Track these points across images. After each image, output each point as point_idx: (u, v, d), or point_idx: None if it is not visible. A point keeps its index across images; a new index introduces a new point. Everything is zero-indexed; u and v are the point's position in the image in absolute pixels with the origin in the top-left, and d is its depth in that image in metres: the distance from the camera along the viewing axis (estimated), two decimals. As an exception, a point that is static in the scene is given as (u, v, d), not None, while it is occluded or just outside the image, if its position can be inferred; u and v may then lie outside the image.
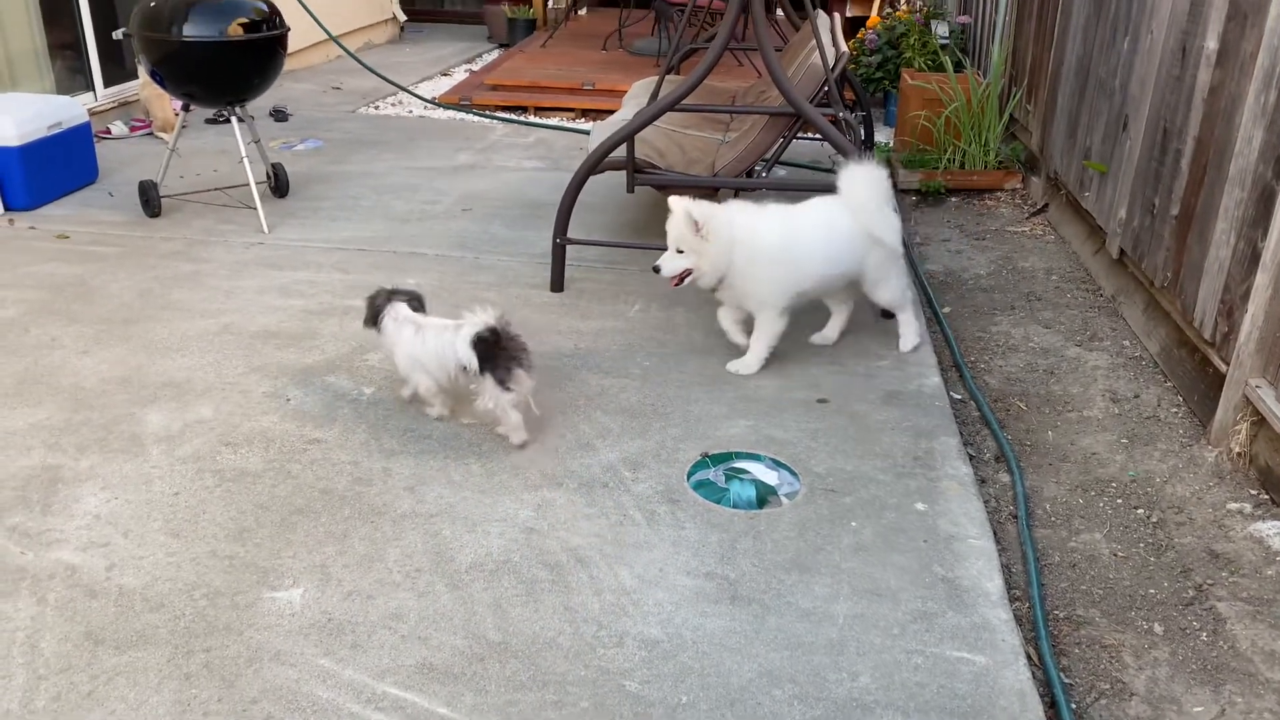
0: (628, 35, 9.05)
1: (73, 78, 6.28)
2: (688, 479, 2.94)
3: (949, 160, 5.71)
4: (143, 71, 6.01)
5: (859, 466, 3.03)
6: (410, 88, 7.84)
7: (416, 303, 3.23)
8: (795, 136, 4.38)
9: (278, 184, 5.29)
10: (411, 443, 3.11)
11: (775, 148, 4.36)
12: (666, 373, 3.55)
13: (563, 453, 3.07)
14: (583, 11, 10.52)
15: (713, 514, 2.79)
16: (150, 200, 4.92)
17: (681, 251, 3.36)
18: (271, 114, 6.89)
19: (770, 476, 2.96)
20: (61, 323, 3.80)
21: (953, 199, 5.66)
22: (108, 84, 6.49)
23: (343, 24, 8.72)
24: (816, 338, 3.77)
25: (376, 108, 7.49)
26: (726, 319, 3.62)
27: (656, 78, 4.97)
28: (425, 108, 7.51)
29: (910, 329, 3.73)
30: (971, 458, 3.17)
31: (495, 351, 2.92)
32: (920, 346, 3.75)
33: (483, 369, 2.92)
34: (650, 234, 4.26)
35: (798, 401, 3.39)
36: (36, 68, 5.98)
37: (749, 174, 4.35)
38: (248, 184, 4.85)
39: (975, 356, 3.91)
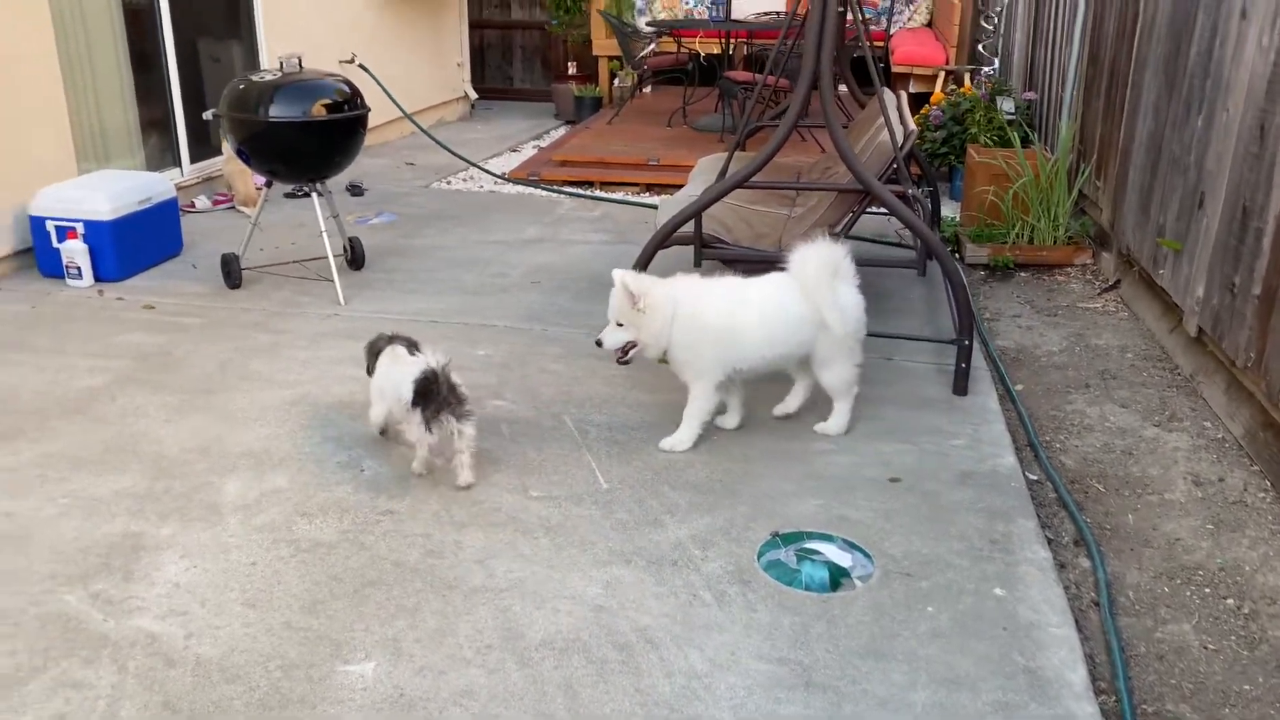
0: (691, 112, 9.21)
1: (162, 154, 6.56)
2: (758, 559, 2.91)
3: (1017, 235, 5.68)
4: (227, 148, 6.26)
5: (934, 549, 2.97)
6: (481, 163, 8.04)
7: (413, 347, 3.42)
8: (864, 212, 4.40)
9: (354, 257, 5.44)
10: (482, 515, 3.12)
11: (843, 223, 4.38)
12: (733, 447, 3.54)
13: (631, 528, 3.06)
14: (647, 89, 10.74)
15: (784, 596, 2.75)
16: (232, 272, 5.09)
17: (622, 324, 3.36)
18: (349, 189, 7.11)
19: (843, 558, 2.92)
20: (146, 392, 3.92)
21: (1021, 274, 5.61)
22: (194, 160, 6.76)
23: (417, 101, 9.01)
24: (778, 409, 3.73)
25: (449, 183, 7.69)
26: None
27: (721, 153, 5.06)
28: (495, 183, 7.69)
29: (841, 418, 3.60)
30: (1050, 541, 3.09)
31: (430, 393, 3.15)
32: (839, 438, 3.61)
33: (414, 404, 3.16)
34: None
35: (869, 480, 3.35)
36: (129, 144, 6.26)
37: (817, 250, 4.36)
38: (325, 257, 4.99)
39: (1050, 436, 3.84)
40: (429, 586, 2.78)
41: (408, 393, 3.17)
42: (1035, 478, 3.51)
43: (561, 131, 9.74)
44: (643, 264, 4.19)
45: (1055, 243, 5.67)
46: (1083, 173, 5.91)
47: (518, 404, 3.88)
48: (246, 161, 5.01)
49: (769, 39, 9.10)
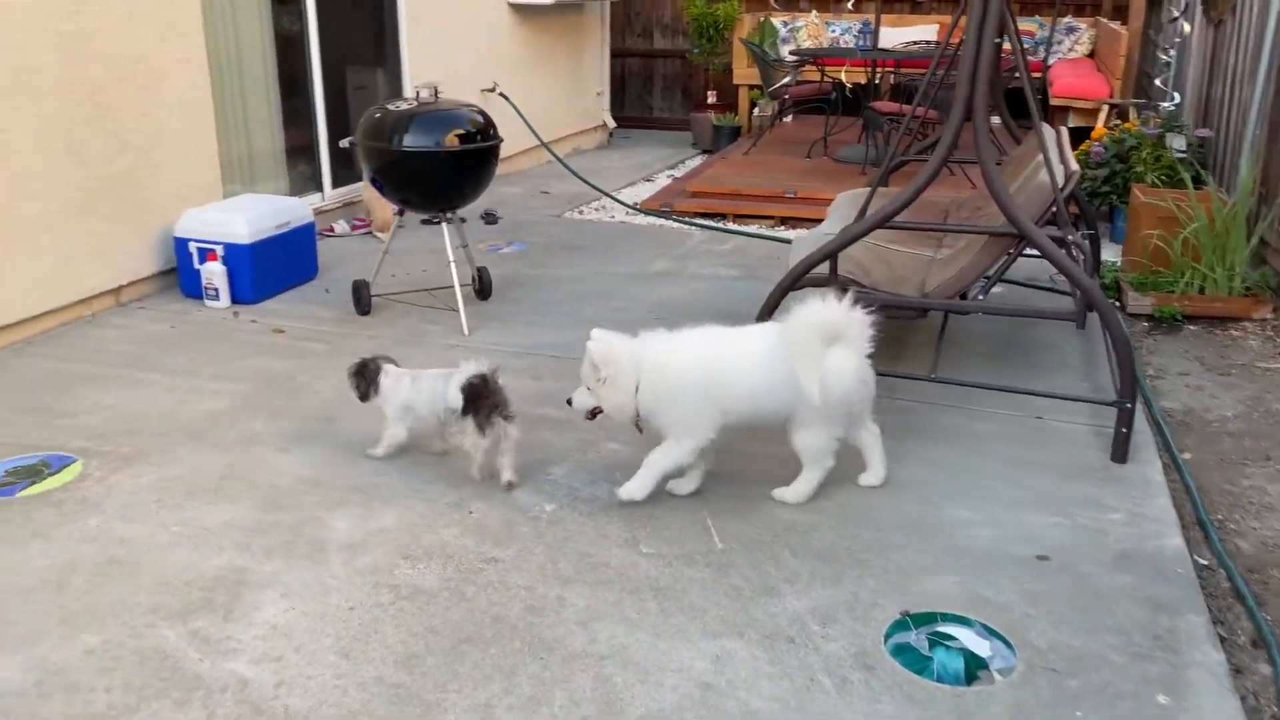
0: (833, 143, 8.94)
1: (305, 179, 6.72)
2: (885, 641, 2.64)
3: (1187, 284, 5.20)
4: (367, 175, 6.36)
5: (1086, 643, 2.64)
6: (613, 193, 7.97)
7: (395, 366, 3.59)
8: (1017, 257, 4.08)
9: (481, 287, 5.40)
10: (588, 570, 2.96)
11: (995, 268, 4.06)
12: (864, 511, 3.27)
13: (745, 597, 2.84)
14: (788, 119, 10.52)
15: (913, 687, 2.48)
16: (361, 299, 5.11)
17: (590, 388, 3.20)
18: (482, 217, 7.13)
19: (981, 646, 2.62)
20: (265, 418, 3.93)
21: (1190, 327, 5.13)
22: (335, 185, 6.90)
23: (556, 130, 9.04)
24: (864, 479, 3.42)
25: (581, 212, 7.64)
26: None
27: (862, 188, 4.79)
28: (627, 213, 7.60)
29: (803, 485, 3.31)
30: (1223, 641, 2.72)
31: (480, 398, 3.25)
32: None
33: (465, 412, 3.26)
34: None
35: (1014, 557, 3.03)
36: (274, 168, 6.44)
37: (963, 295, 4.06)
38: (453, 286, 4.95)
39: (1223, 515, 3.42)
40: (527, 647, 2.62)
41: (457, 401, 3.27)
42: (1206, 563, 3.12)
43: (698, 161, 9.61)
44: (770, 308, 3.98)
45: (1230, 293, 5.17)
46: (1265, 218, 5.38)
47: (632, 448, 3.71)
48: (380, 190, 5.03)
49: (917, 69, 8.76)
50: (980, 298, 4.11)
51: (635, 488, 3.23)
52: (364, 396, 3.53)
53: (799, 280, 3.94)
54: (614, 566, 2.98)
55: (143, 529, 3.14)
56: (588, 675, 2.52)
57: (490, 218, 7.16)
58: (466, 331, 4.87)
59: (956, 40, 4.03)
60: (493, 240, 6.65)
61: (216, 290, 5.15)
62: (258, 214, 5.30)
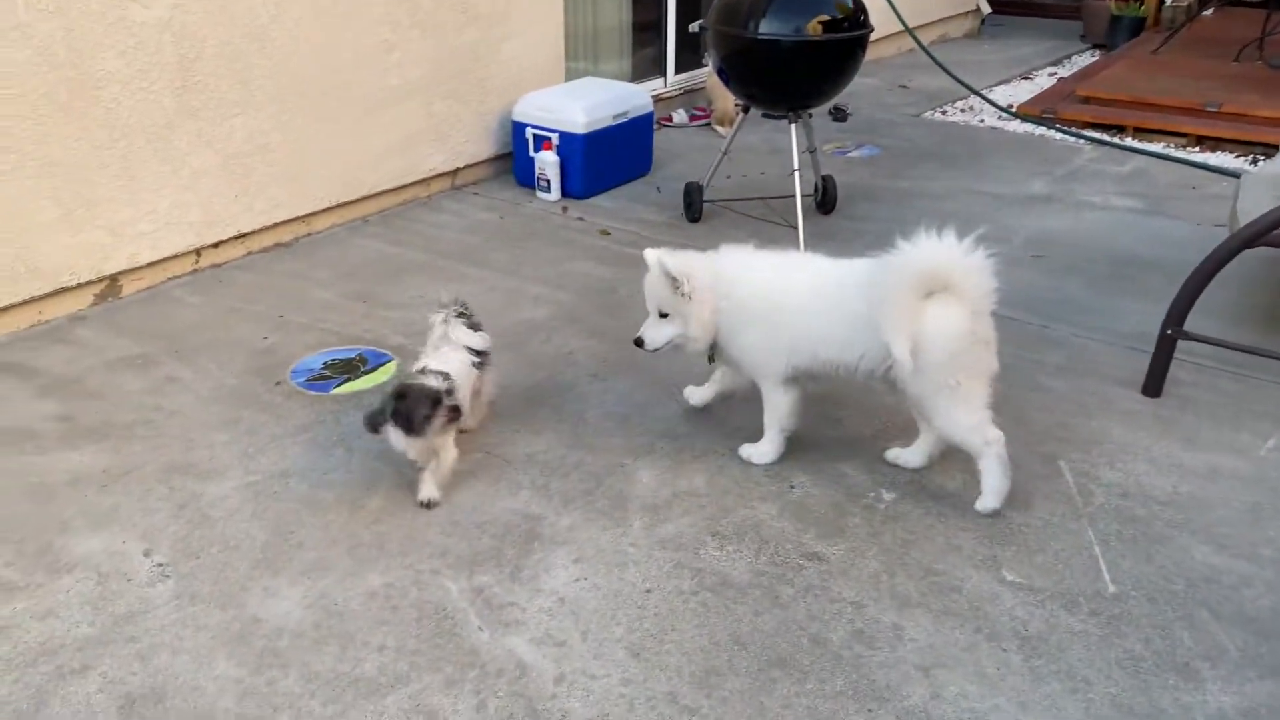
0: (1270, 45, 7.26)
1: (648, 61, 6.31)
2: (1362, 790, 1.88)
3: None
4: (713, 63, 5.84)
5: None
6: (984, 92, 6.94)
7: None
8: None
9: (824, 199, 4.78)
10: (933, 593, 2.38)
11: None
12: (1320, 569, 2.43)
13: (1146, 672, 2.15)
14: (1209, 12, 8.73)
15: None
16: (693, 204, 4.66)
17: (666, 315, 2.76)
18: (830, 112, 6.41)
19: None
20: (582, 334, 3.61)
21: None
22: (679, 70, 6.44)
23: (920, 14, 8.01)
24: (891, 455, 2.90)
25: (944, 112, 6.71)
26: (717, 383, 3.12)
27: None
28: (999, 117, 6.57)
29: (989, 482, 2.64)
30: None
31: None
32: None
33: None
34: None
35: None
36: (619, 47, 6.08)
37: None
38: (794, 197, 4.37)
39: None
40: (851, 689, 2.11)
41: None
42: None
43: (1089, 59, 8.21)
44: (1205, 276, 3.06)
45: None
46: None
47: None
48: (726, 82, 4.49)
49: None
50: None
51: (764, 449, 2.90)
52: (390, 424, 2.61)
53: (1263, 235, 2.99)
54: (967, 594, 2.38)
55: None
56: (926, 746, 1.98)
57: (839, 114, 6.43)
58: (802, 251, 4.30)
59: None
60: (840, 141, 5.95)
61: (548, 181, 4.90)
62: (596, 102, 4.95)
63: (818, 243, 4.38)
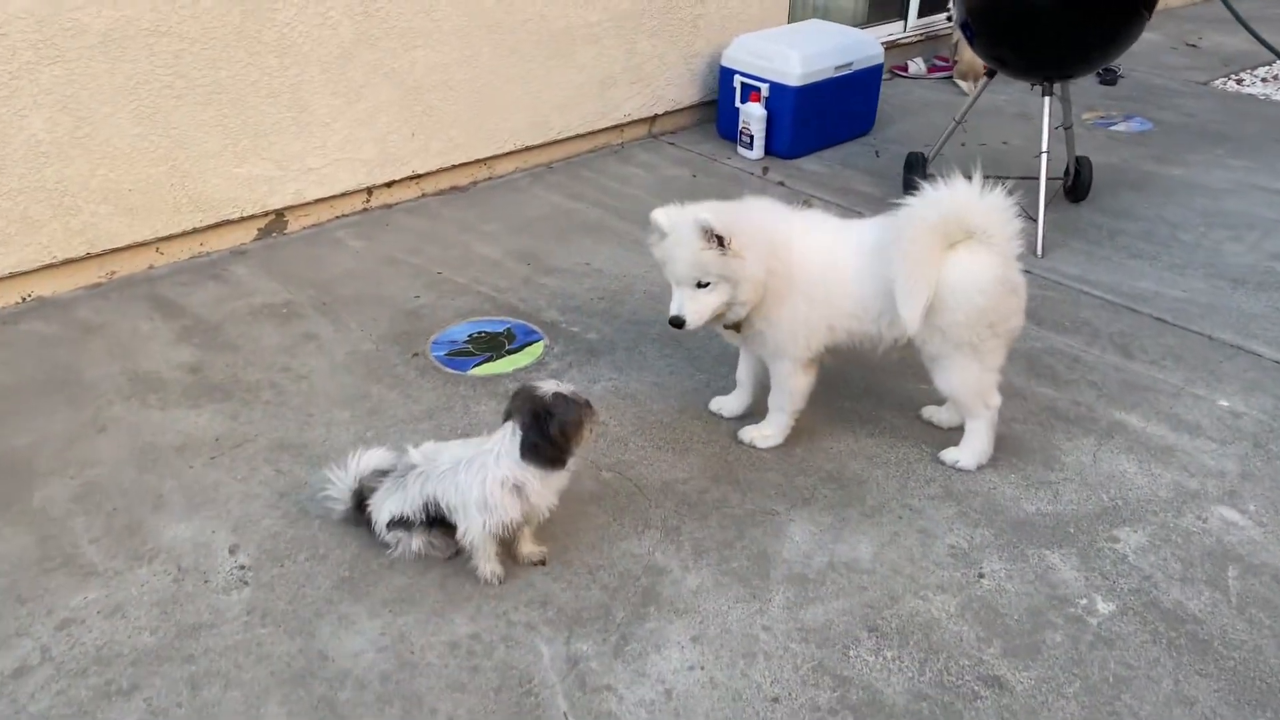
0: None
1: (886, 2, 5.58)
2: None
3: None
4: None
5: None
6: (1297, 59, 5.76)
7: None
8: None
9: (1075, 185, 4.03)
10: (1149, 767, 1.81)
11: None
12: None
13: None
14: None
15: None
16: (913, 178, 4.00)
17: (705, 284, 2.30)
18: (1098, 72, 5.49)
19: None
20: (756, 333, 3.13)
21: None
22: (923, 13, 5.67)
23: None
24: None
25: (1239, 81, 5.63)
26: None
27: None
28: (1312, 93, 5.45)
29: (972, 444, 2.54)
30: None
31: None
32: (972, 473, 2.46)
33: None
34: None
35: None
36: (855, -14, 5.41)
37: None
38: (1038, 182, 3.66)
39: None
40: None
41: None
42: None
43: None
44: None
45: None
46: None
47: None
48: (970, 40, 3.80)
49: None
50: None
51: (766, 432, 2.61)
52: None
53: None
54: (1197, 779, 1.80)
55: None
56: None
57: (1108, 75, 5.50)
58: (1040, 252, 3.61)
59: None
60: (1105, 109, 5.06)
61: (751, 138, 4.38)
62: (816, 50, 4.35)
63: (1061, 240, 3.70)
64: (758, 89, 4.34)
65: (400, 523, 2.16)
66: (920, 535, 2.35)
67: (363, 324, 3.12)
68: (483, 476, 2.04)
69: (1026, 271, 3.47)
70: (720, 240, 2.27)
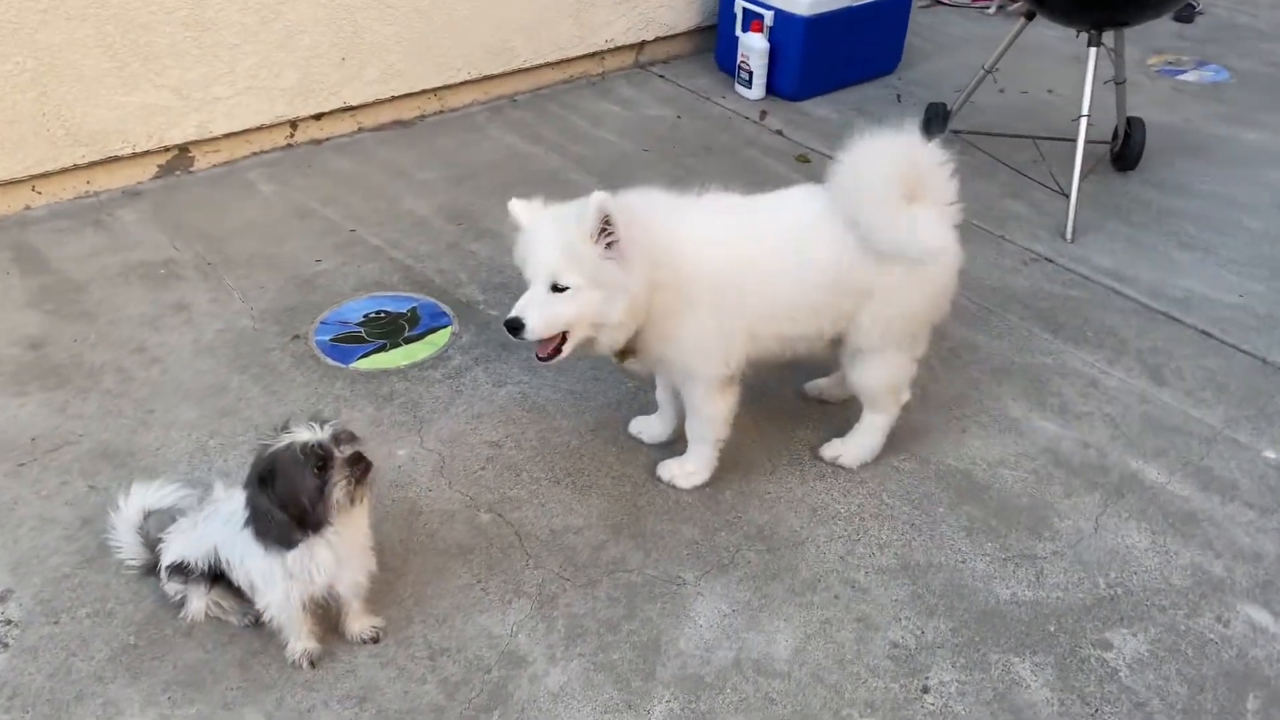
0: None
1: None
2: None
3: None
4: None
5: None
6: None
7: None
8: None
9: (1124, 151, 3.39)
10: None
11: None
12: None
13: None
14: None
15: None
16: (932, 132, 3.40)
17: (563, 288, 1.78)
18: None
19: None
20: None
21: None
22: (974, -72, 4.92)
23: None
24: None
25: (1340, 24, 4.84)
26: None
27: None
28: None
29: (864, 439, 2.19)
30: None
31: None
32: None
33: None
34: None
35: None
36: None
37: None
38: (1074, 146, 3.05)
39: None
40: None
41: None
42: None
43: None
44: None
45: None
46: None
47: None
48: (1008, -29, 3.15)
49: None
50: None
51: (694, 469, 2.14)
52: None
53: None
54: None
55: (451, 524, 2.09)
56: None
57: (1186, 12, 4.74)
58: (1069, 235, 3.02)
59: None
60: (1173, 53, 4.35)
61: (750, 75, 3.78)
62: (829, -27, 3.71)
63: (1099, 221, 3.12)
64: (760, 17, 3.72)
65: (181, 570, 1.74)
66: (858, 625, 1.87)
67: (247, 293, 2.66)
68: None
69: (1048, 260, 2.95)
70: (606, 232, 1.76)
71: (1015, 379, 2.48)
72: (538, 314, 1.80)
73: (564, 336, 1.84)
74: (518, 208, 1.88)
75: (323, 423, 1.59)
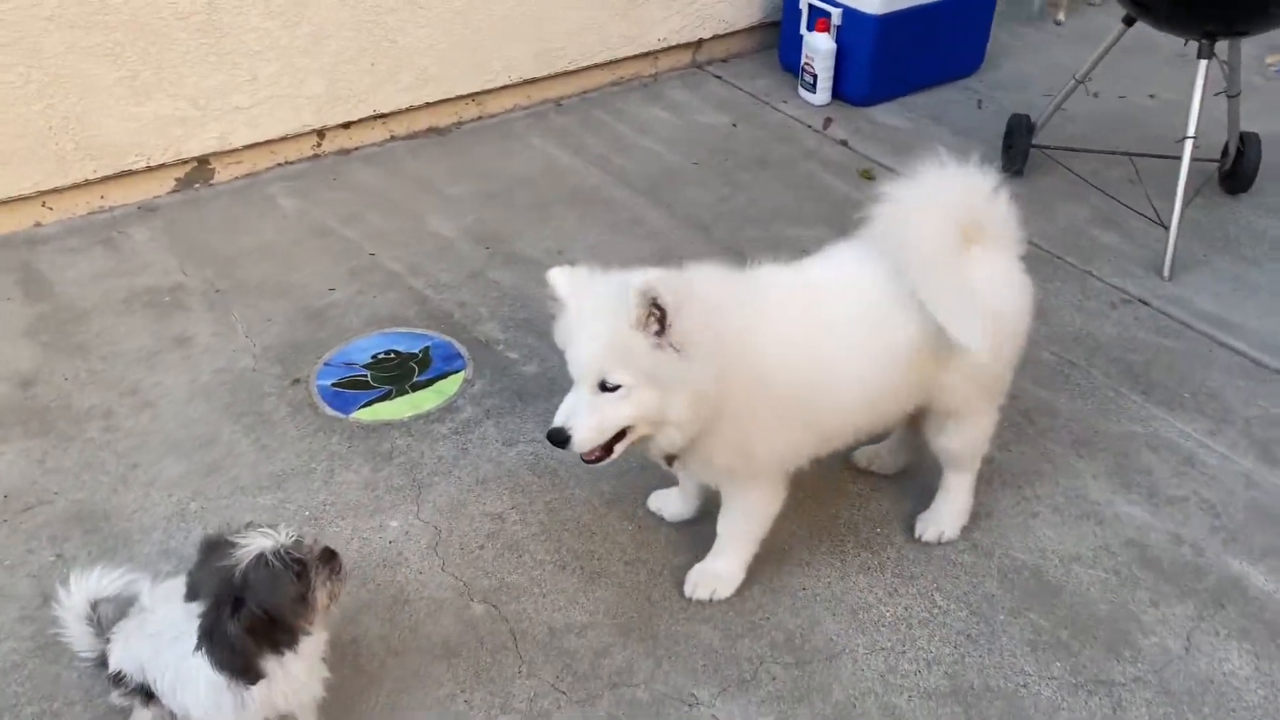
0: None
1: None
2: None
3: None
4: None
5: None
6: None
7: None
8: None
9: (1235, 170, 3.01)
10: None
11: None
12: None
13: None
14: None
15: None
16: (1014, 148, 3.07)
17: (614, 388, 1.47)
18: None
19: None
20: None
21: None
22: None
23: None
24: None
25: None
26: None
27: None
28: None
29: (954, 505, 1.95)
30: None
31: None
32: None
33: None
34: None
35: None
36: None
37: None
38: (1178, 166, 2.69)
39: None
40: None
41: None
42: None
43: None
44: None
45: None
46: None
47: None
48: (1107, -30, 2.77)
49: None
50: None
51: (730, 573, 1.86)
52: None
53: None
54: None
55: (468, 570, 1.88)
56: None
57: (1311, 2, 4.24)
58: (1167, 272, 2.67)
59: None
60: (1297, 54, 3.89)
61: (814, 79, 3.46)
62: (906, -33, 3.36)
63: (1202, 257, 2.76)
64: (827, 15, 3.40)
65: (121, 681, 1.55)
66: None
67: (252, 327, 2.48)
68: (197, 666, 1.39)
69: (1142, 303, 2.61)
70: (662, 318, 1.49)
71: (1098, 452, 2.16)
72: (585, 423, 1.53)
73: (614, 441, 1.57)
74: (558, 278, 1.59)
75: (270, 526, 1.39)
